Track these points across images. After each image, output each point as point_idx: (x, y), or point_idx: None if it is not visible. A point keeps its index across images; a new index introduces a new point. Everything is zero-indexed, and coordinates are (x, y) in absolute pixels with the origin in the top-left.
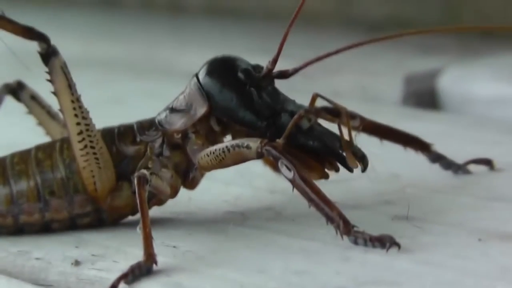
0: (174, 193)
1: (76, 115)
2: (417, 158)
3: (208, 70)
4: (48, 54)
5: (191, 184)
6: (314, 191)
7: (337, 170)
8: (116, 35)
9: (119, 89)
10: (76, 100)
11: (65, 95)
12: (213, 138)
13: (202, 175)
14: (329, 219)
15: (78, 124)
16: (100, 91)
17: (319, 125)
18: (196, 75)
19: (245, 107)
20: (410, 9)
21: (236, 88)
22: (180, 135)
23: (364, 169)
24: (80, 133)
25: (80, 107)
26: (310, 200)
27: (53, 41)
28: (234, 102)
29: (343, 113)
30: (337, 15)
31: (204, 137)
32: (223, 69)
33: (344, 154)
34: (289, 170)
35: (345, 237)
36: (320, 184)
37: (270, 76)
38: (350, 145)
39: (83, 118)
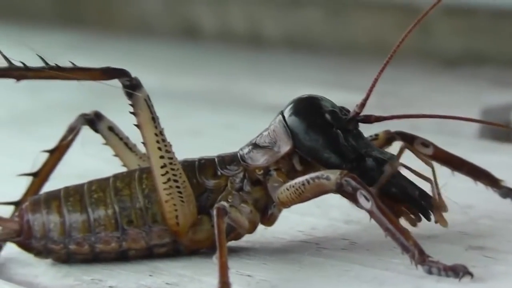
0: (252, 228)
1: (159, 148)
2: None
3: (295, 109)
4: (132, 88)
5: (269, 220)
6: (391, 221)
7: (419, 220)
8: (194, 67)
9: (197, 121)
10: (160, 133)
11: (149, 128)
12: (294, 176)
13: (279, 212)
14: (405, 249)
15: (161, 157)
16: (178, 123)
17: (401, 175)
18: (282, 113)
19: (330, 149)
20: (486, 43)
21: (322, 128)
22: (262, 172)
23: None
24: (164, 166)
25: (164, 140)
26: (386, 229)
27: (133, 74)
28: (319, 143)
29: (431, 168)
30: (413, 49)
31: (286, 175)
32: (309, 108)
33: (433, 210)
34: (367, 200)
35: (419, 266)
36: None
37: (356, 119)
38: (440, 204)
39: (167, 151)
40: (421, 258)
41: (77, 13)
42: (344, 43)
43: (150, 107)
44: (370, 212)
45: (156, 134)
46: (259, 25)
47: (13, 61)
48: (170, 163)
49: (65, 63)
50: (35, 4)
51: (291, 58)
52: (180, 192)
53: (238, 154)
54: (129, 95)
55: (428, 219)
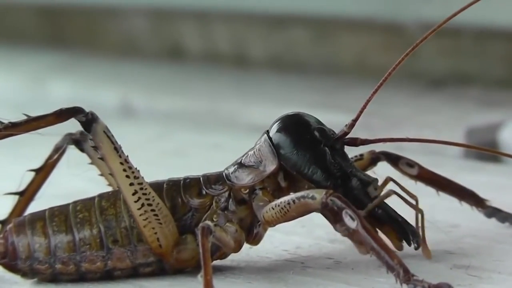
0: (238, 247)
1: (127, 176)
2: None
3: (280, 126)
4: (88, 122)
5: (255, 239)
6: (376, 240)
7: (401, 245)
8: (179, 87)
9: (182, 141)
10: (125, 161)
11: (113, 158)
12: (279, 195)
13: (265, 231)
14: (390, 268)
15: (131, 184)
16: (164, 143)
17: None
18: (267, 132)
19: (316, 164)
20: (471, 64)
21: (309, 144)
22: (247, 191)
23: (417, 247)
24: (135, 193)
25: (130, 167)
26: (371, 249)
27: (118, 94)
28: (305, 158)
29: (415, 200)
30: (399, 70)
31: (271, 194)
32: (295, 125)
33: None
34: (353, 220)
35: (404, 285)
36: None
37: (342, 140)
38: (423, 236)
39: (135, 177)
40: (406, 277)
41: (63, 32)
42: (330, 63)
43: (110, 138)
44: (355, 231)
45: (121, 163)
46: (245, 46)
47: None
48: (141, 189)
49: (50, 83)
50: (21, 23)
51: (277, 78)
52: (156, 215)
53: (224, 173)
54: (88, 130)
55: (409, 244)
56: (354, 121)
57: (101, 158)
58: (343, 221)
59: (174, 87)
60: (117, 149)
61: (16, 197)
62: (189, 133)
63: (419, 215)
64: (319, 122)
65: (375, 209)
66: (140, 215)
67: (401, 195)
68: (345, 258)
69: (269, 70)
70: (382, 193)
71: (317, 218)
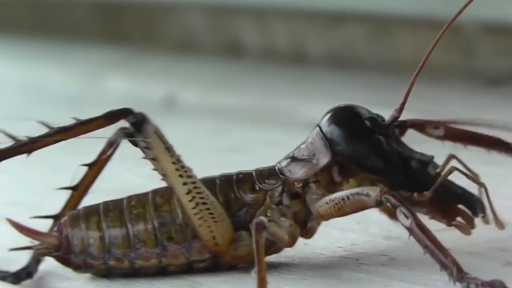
0: (292, 241)
1: (180, 176)
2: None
3: (332, 120)
4: (138, 123)
5: (308, 233)
6: (430, 238)
7: (473, 223)
8: (236, 84)
9: (239, 138)
10: (177, 160)
11: (165, 158)
12: (333, 188)
13: (318, 224)
14: (443, 266)
15: (184, 184)
16: (220, 139)
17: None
18: (319, 125)
19: (374, 154)
20: None
21: (363, 135)
22: (300, 184)
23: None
24: (189, 192)
25: (183, 166)
26: (425, 247)
27: (175, 90)
28: (362, 150)
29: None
30: (455, 69)
31: (324, 187)
32: (347, 117)
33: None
34: (407, 218)
35: (457, 283)
36: (435, 231)
37: (394, 124)
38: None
39: (188, 176)
40: (459, 275)
41: (120, 28)
42: (388, 61)
43: (161, 138)
44: (409, 229)
45: (173, 163)
46: (303, 43)
47: (18, 137)
48: (195, 187)
49: (107, 78)
50: (79, 19)
51: (335, 76)
52: (211, 213)
53: (276, 167)
54: (139, 131)
55: (484, 217)
56: (403, 104)
57: (153, 159)
58: (398, 218)
59: (232, 83)
60: (168, 148)
61: (69, 191)
62: (246, 130)
63: (483, 190)
64: (369, 112)
65: (441, 189)
66: (195, 214)
67: (463, 171)
68: (400, 255)
69: (327, 68)
70: (444, 171)
71: (372, 215)
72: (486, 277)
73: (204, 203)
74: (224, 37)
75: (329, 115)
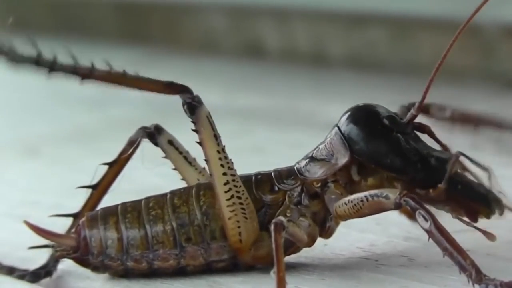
0: (311, 241)
1: (222, 165)
2: None
3: (350, 119)
4: (193, 105)
5: (327, 233)
6: (449, 241)
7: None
8: (258, 84)
9: (260, 139)
10: (222, 150)
11: (211, 145)
12: (351, 188)
13: (337, 225)
14: (462, 268)
15: (224, 174)
16: (241, 140)
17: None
18: (337, 125)
19: (393, 153)
20: None
21: (382, 134)
22: (319, 184)
23: (501, 213)
24: (227, 183)
25: (226, 157)
26: (444, 249)
27: (196, 91)
28: (380, 148)
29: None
30: (476, 70)
31: (343, 187)
32: (366, 116)
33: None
34: (426, 220)
35: (476, 285)
36: (454, 233)
37: (413, 122)
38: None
39: (229, 168)
40: (478, 277)
41: (142, 29)
42: (409, 62)
43: (212, 124)
44: (428, 232)
45: (218, 151)
46: (324, 44)
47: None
48: (233, 180)
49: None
50: (100, 20)
51: (356, 77)
52: (243, 209)
53: (295, 167)
54: (192, 112)
55: (500, 213)
56: (421, 102)
57: (199, 143)
58: (417, 221)
59: (253, 84)
60: (216, 136)
61: (89, 191)
62: (267, 130)
63: (489, 175)
64: (387, 110)
65: (455, 184)
66: (228, 206)
67: (468, 156)
68: (419, 256)
69: (348, 69)
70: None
71: (392, 216)
72: (506, 279)
73: (239, 197)
74: (245, 38)
75: (347, 114)
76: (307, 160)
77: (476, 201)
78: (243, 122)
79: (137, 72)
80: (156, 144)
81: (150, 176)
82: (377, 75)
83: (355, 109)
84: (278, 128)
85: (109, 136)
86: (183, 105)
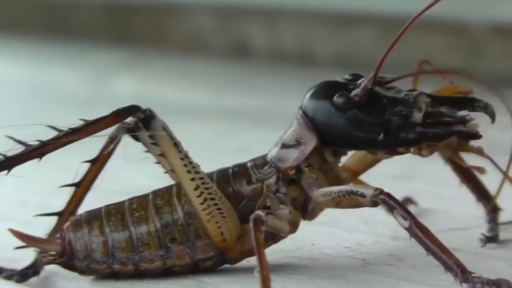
0: (294, 228)
1: (188, 171)
2: None
3: (310, 101)
4: (147, 119)
5: (311, 215)
6: (431, 239)
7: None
8: (245, 85)
9: (246, 139)
10: (185, 156)
11: (173, 154)
12: (327, 169)
13: (321, 209)
14: (447, 268)
15: (192, 179)
16: (228, 140)
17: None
18: (301, 108)
19: (355, 131)
20: None
21: (339, 115)
22: (294, 171)
23: (492, 120)
24: (197, 187)
25: (191, 162)
26: (427, 249)
27: (183, 91)
28: (341, 130)
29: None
30: (464, 69)
31: (318, 169)
32: (321, 97)
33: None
34: (405, 219)
35: (463, 284)
36: (438, 232)
37: (368, 92)
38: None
39: (196, 172)
40: (464, 276)
41: (129, 30)
42: (396, 62)
43: (169, 133)
44: (408, 231)
45: (181, 158)
46: (311, 44)
47: (29, 142)
48: (203, 183)
49: (115, 80)
50: (87, 20)
51: (342, 76)
52: (219, 209)
53: (268, 157)
54: (147, 127)
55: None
56: (375, 75)
57: (161, 155)
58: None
59: (240, 84)
60: (176, 144)
61: (73, 188)
62: (254, 130)
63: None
64: (344, 85)
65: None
66: (203, 209)
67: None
68: (406, 256)
69: (335, 69)
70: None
71: (380, 216)
72: (493, 277)
73: (212, 199)
74: (232, 38)
75: (307, 95)
76: (277, 148)
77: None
78: (230, 122)
79: (82, 120)
80: (137, 139)
81: (134, 176)
82: (364, 75)
83: (313, 91)
84: (265, 128)
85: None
86: (137, 123)
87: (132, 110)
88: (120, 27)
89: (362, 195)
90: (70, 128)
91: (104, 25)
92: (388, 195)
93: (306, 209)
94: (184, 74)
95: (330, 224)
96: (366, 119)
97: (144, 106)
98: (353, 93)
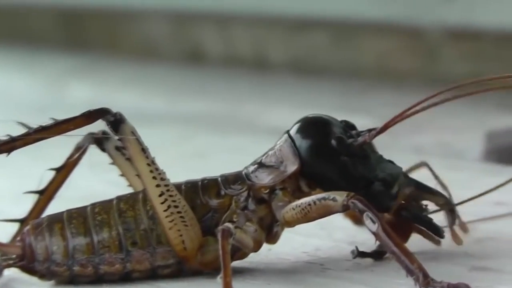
0: (257, 247)
1: (154, 178)
2: (495, 211)
3: (302, 130)
4: (116, 123)
5: (273, 239)
6: (396, 244)
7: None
8: (200, 90)
9: (202, 144)
10: (152, 162)
11: (140, 159)
12: (299, 196)
13: (283, 230)
14: (409, 272)
15: (158, 186)
16: (183, 146)
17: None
18: (288, 132)
19: (338, 176)
20: (492, 67)
21: (329, 156)
22: (267, 191)
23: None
24: (162, 194)
25: (157, 169)
26: (391, 252)
27: (138, 97)
28: (326, 170)
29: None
30: (419, 74)
31: (291, 195)
32: (316, 132)
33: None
34: (374, 223)
35: None
36: None
37: (364, 145)
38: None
39: (162, 179)
40: (425, 281)
41: (83, 35)
42: (351, 67)
43: (138, 139)
44: (376, 234)
45: (148, 164)
46: (265, 49)
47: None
48: (167, 190)
49: (70, 86)
50: (42, 27)
51: (297, 82)
52: (182, 217)
53: (243, 173)
54: (116, 130)
55: (442, 237)
56: (379, 133)
57: (128, 159)
58: (364, 223)
59: (194, 90)
60: (144, 150)
61: (36, 196)
62: (209, 136)
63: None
64: (340, 127)
65: (402, 208)
66: (166, 217)
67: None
68: (365, 260)
69: (289, 74)
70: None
71: (337, 221)
72: (451, 281)
73: (176, 206)
74: (186, 44)
75: (299, 124)
76: (256, 165)
77: (419, 229)
78: (185, 127)
79: (52, 119)
80: (103, 150)
81: (96, 183)
82: (319, 80)
83: (307, 121)
84: (220, 133)
85: (55, 141)
86: (107, 125)
87: (102, 112)
88: (75, 34)
89: (334, 200)
90: (40, 126)
91: (59, 31)
92: (360, 199)
93: (270, 231)
94: (139, 80)
95: (287, 229)
96: (354, 170)
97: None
98: (349, 140)
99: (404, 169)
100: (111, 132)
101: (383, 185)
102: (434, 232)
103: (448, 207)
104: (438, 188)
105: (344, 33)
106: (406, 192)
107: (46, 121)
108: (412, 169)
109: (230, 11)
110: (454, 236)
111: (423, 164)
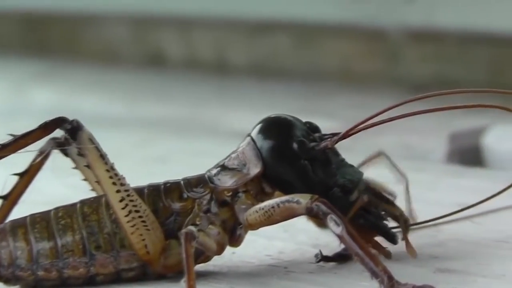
0: (220, 250)
1: (114, 183)
2: (461, 213)
3: (264, 131)
4: (74, 130)
5: (237, 241)
6: (361, 246)
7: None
8: (161, 94)
9: (164, 148)
10: (111, 168)
11: (99, 165)
12: (262, 198)
13: (246, 233)
14: (374, 274)
15: (118, 191)
16: (145, 150)
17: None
18: (250, 135)
19: (297, 180)
20: (454, 69)
21: (290, 158)
22: (230, 193)
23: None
24: (122, 200)
25: (116, 174)
26: (356, 254)
27: (99, 102)
28: (287, 173)
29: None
30: (381, 76)
31: (254, 197)
32: (278, 134)
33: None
34: (338, 225)
35: None
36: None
37: (325, 149)
38: (406, 230)
39: (121, 184)
40: (390, 283)
41: (44, 41)
42: (312, 70)
43: (96, 145)
44: (340, 237)
45: (107, 170)
46: (226, 52)
47: None
48: (128, 195)
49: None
50: (2, 32)
51: (259, 85)
52: (144, 221)
53: (206, 175)
54: (74, 138)
55: (395, 243)
56: (341, 138)
57: (87, 166)
58: (328, 225)
59: (156, 94)
60: (103, 156)
61: (0, 201)
62: (171, 140)
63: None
64: (302, 128)
65: (358, 216)
66: (128, 221)
67: (390, 160)
68: (328, 263)
69: (250, 77)
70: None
71: (300, 223)
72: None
73: (137, 211)
74: (147, 47)
75: (261, 125)
76: (219, 168)
77: (372, 237)
78: (146, 131)
79: (10, 135)
80: (66, 154)
81: (60, 188)
82: (280, 83)
83: (269, 122)
84: (182, 137)
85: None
86: (65, 133)
87: (58, 122)
88: (35, 38)
89: (298, 202)
90: (0, 144)
91: (19, 36)
92: (323, 201)
93: (234, 234)
94: (100, 84)
95: (250, 232)
96: (314, 175)
97: (71, 116)
98: (311, 144)
99: (362, 159)
100: (69, 140)
101: (342, 191)
102: (389, 239)
103: (403, 218)
104: (396, 176)
105: (306, 36)
106: (364, 200)
107: (9, 129)
108: (370, 158)
109: (191, 14)
110: (409, 247)
111: (381, 153)
